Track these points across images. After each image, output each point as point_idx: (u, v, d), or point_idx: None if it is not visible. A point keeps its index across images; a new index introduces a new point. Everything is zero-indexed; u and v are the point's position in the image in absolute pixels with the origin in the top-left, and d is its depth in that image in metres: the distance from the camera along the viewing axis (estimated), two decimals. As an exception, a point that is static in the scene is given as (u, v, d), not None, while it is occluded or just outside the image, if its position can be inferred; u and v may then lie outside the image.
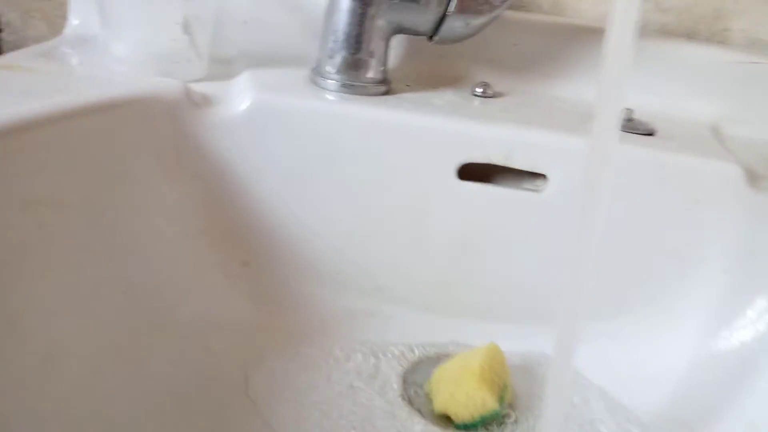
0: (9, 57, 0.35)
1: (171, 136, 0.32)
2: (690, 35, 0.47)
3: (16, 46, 0.43)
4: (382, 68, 0.38)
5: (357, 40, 0.37)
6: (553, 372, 0.26)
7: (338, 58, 0.37)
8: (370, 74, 0.38)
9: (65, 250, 0.27)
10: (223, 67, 0.39)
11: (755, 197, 0.36)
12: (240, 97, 0.35)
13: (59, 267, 0.27)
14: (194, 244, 0.34)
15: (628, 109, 0.40)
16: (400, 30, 0.38)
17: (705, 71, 0.44)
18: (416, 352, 0.37)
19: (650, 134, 0.39)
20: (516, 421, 0.34)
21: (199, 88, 0.35)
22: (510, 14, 0.43)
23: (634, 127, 0.39)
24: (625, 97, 0.22)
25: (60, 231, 0.26)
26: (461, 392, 0.33)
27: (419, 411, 0.33)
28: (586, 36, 0.44)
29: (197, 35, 0.36)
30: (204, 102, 0.34)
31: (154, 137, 0.31)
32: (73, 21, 0.41)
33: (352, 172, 0.36)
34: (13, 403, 0.23)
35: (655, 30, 0.47)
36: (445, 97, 0.40)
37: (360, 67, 0.37)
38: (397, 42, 0.43)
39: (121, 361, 0.29)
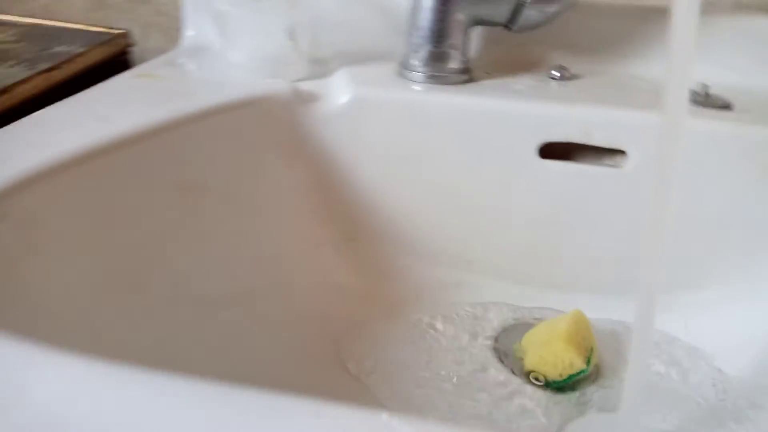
0: (143, 67, 0.41)
1: (287, 128, 0.37)
2: (765, 8, 0.48)
3: (140, 58, 0.50)
4: (463, 58, 0.42)
5: (439, 35, 0.40)
6: (634, 338, 0.28)
7: (423, 52, 0.41)
8: (453, 65, 0.41)
9: (209, 225, 0.32)
10: (321, 67, 0.44)
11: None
12: (339, 92, 0.39)
13: (203, 237, 0.32)
14: (307, 221, 0.39)
15: (704, 84, 0.41)
16: (479, 22, 0.41)
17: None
18: (505, 318, 0.40)
19: (727, 108, 0.40)
20: (602, 382, 0.36)
21: (303, 86, 0.40)
22: (584, -1, 0.45)
23: (710, 102, 0.40)
24: (692, 72, 0.24)
25: (206, 208, 0.32)
26: (550, 353, 0.35)
27: (512, 371, 0.36)
28: (661, 15, 0.45)
29: (300, 40, 0.41)
30: (310, 98, 0.39)
31: (273, 130, 0.36)
32: (189, 32, 0.47)
33: (441, 155, 0.40)
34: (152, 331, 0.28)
35: (730, 4, 0.48)
36: (524, 81, 0.43)
37: (443, 59, 0.41)
38: (477, 32, 0.46)
39: (251, 315, 0.34)
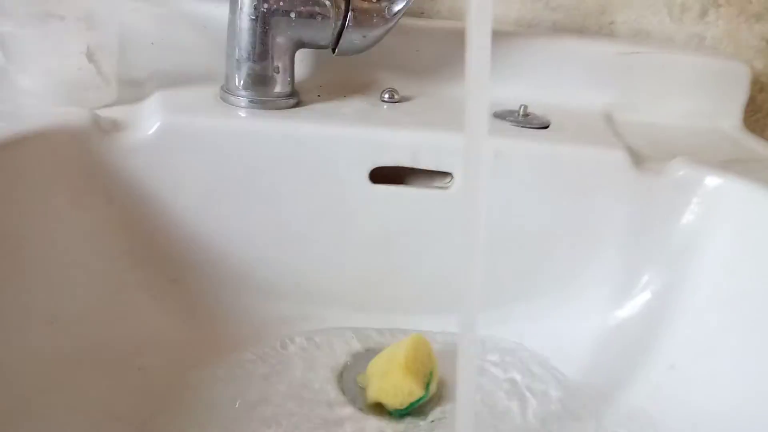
0: None
1: (80, 164, 0.33)
2: (580, 30, 0.51)
3: None
4: (289, 81, 0.40)
5: (261, 58, 0.38)
6: (459, 356, 0.28)
7: (244, 75, 0.38)
8: (278, 88, 0.39)
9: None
10: (134, 90, 0.40)
11: (641, 178, 0.39)
12: (149, 120, 0.36)
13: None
14: (118, 266, 0.34)
15: (523, 105, 0.43)
16: (301, 45, 0.39)
17: (595, 63, 0.48)
18: (349, 347, 0.39)
19: (545, 127, 0.42)
20: (447, 403, 0.36)
21: (109, 113, 0.36)
22: (411, 21, 0.46)
23: (529, 121, 0.42)
24: (488, 93, 0.24)
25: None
26: (389, 384, 0.35)
27: (354, 403, 0.35)
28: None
29: (103, 62, 0.37)
30: (113, 127, 0.35)
31: (64, 167, 0.32)
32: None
33: (268, 184, 0.38)
34: None
35: (547, 27, 0.51)
36: (354, 105, 0.42)
37: (267, 83, 0.39)
38: (305, 54, 0.45)
39: (55, 391, 0.30)
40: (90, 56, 0.35)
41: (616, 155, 0.39)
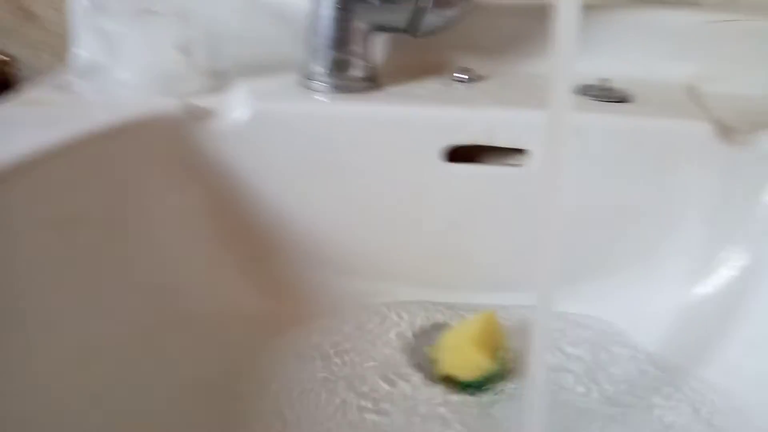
0: (27, 93, 0.39)
1: (176, 149, 0.35)
2: (662, 0, 0.49)
3: (27, 80, 0.47)
4: (367, 66, 0.41)
5: (340, 43, 0.39)
6: (534, 332, 0.28)
7: (324, 61, 0.40)
8: (357, 72, 0.40)
9: (93, 261, 0.30)
10: (219, 80, 0.42)
11: (726, 150, 0.38)
12: (238, 107, 0.38)
13: (89, 276, 0.30)
14: (208, 245, 0.37)
15: (603, 78, 0.42)
16: (380, 28, 0.40)
17: (679, 34, 0.46)
18: (420, 323, 0.40)
19: (626, 101, 0.41)
20: (516, 382, 0.36)
21: (198, 102, 0.38)
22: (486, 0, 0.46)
23: (610, 95, 0.41)
24: (574, 67, 0.24)
25: (86, 245, 0.30)
26: (459, 357, 0.35)
27: (425, 375, 0.36)
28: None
29: (194, 54, 0.39)
30: (205, 115, 0.37)
31: (162, 152, 0.35)
32: (78, 52, 0.44)
33: (348, 166, 0.39)
34: (49, 399, 0.27)
35: (626, -1, 0.49)
36: (429, 86, 0.43)
37: (346, 68, 0.40)
38: (381, 38, 0.46)
39: (149, 357, 0.33)
40: (183, 49, 0.38)
41: (700, 127, 0.38)
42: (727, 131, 0.39)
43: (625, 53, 0.46)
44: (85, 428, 0.28)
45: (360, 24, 0.39)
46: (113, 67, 0.39)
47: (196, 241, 0.36)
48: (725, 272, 0.38)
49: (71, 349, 0.28)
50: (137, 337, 0.32)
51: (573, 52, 0.25)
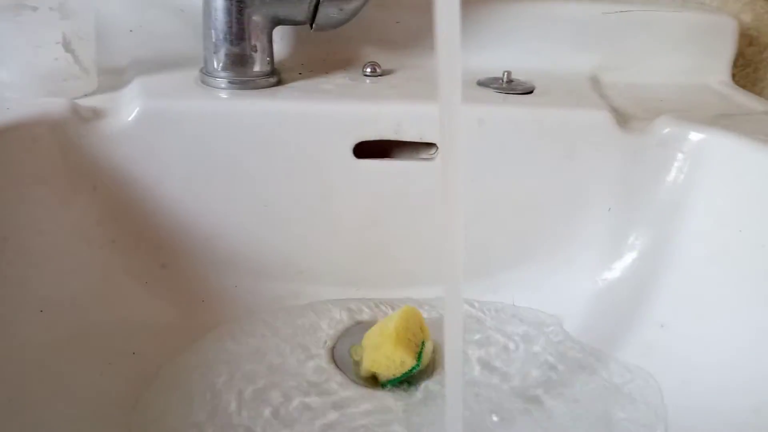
0: None
1: (62, 154, 0.33)
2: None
3: None
4: (268, 60, 0.40)
5: (238, 37, 0.38)
6: (446, 324, 0.28)
7: (223, 56, 0.38)
8: (257, 68, 0.39)
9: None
10: (115, 78, 0.40)
11: (626, 138, 0.39)
12: (128, 106, 0.36)
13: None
14: (106, 253, 0.35)
15: (506, 71, 0.42)
16: (278, 22, 0.39)
17: (579, 25, 0.47)
18: (341, 326, 0.39)
19: (529, 92, 0.42)
20: (437, 376, 0.36)
21: (89, 102, 0.36)
22: (390, -7, 0.45)
23: (513, 87, 0.42)
24: (460, 58, 0.23)
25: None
26: (381, 355, 0.35)
27: (347, 374, 0.35)
28: (466, 5, 0.46)
29: (80, 51, 0.36)
30: (93, 115, 0.35)
31: (45, 157, 0.32)
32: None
33: (253, 165, 0.38)
34: None
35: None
36: (336, 80, 0.42)
37: (246, 63, 0.38)
38: (285, 32, 0.44)
39: (50, 376, 0.30)
40: (66, 46, 0.35)
41: (600, 116, 0.39)
42: (626, 119, 0.40)
43: (526, 45, 0.47)
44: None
45: (256, 17, 0.38)
46: (-10, 67, 0.36)
47: (91, 250, 0.34)
48: (633, 256, 0.39)
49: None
50: (31, 357, 0.29)
51: (456, 39, 0.24)
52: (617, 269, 0.40)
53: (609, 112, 0.39)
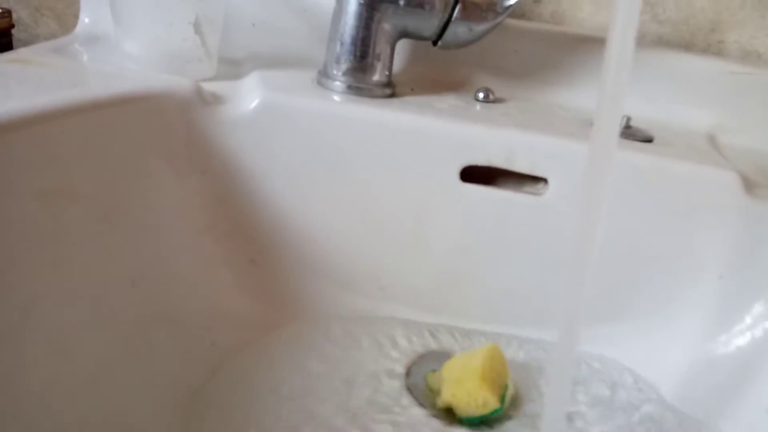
0: (22, 52, 0.36)
1: (183, 132, 0.33)
2: (686, 46, 0.48)
3: (27, 45, 0.44)
4: (387, 72, 0.39)
5: (363, 44, 0.37)
6: (553, 373, 0.26)
7: (345, 61, 0.38)
8: (376, 77, 0.38)
9: (76, 241, 0.27)
10: (232, 68, 0.40)
11: (751, 204, 0.37)
12: (249, 96, 0.35)
13: (70, 258, 0.27)
14: (202, 239, 0.34)
15: (626, 116, 0.41)
16: (405, 34, 0.38)
17: (701, 81, 0.45)
18: (418, 350, 0.37)
19: (649, 141, 0.40)
20: (518, 419, 0.34)
21: (209, 87, 0.36)
22: (512, 22, 0.44)
23: (632, 134, 0.40)
24: (624, 105, 0.22)
25: (72, 222, 0.27)
26: (463, 391, 0.33)
27: (423, 405, 0.34)
28: (585, 45, 0.45)
29: (208, 35, 0.37)
30: (214, 100, 0.35)
31: (166, 133, 0.32)
32: (85, 19, 0.42)
33: (357, 173, 0.37)
34: (23, 392, 0.24)
35: (653, 40, 0.48)
36: (448, 101, 0.41)
37: (366, 70, 0.38)
38: (402, 47, 0.44)
39: (129, 354, 0.30)
40: (197, 27, 0.36)
41: (727, 176, 0.37)
42: (751, 184, 0.37)
43: (646, 94, 0.46)
44: (60, 424, 0.24)
45: (386, 26, 0.37)
46: (120, 39, 0.36)
47: (190, 233, 0.34)
48: (742, 330, 0.36)
49: (47, 337, 0.25)
50: (116, 330, 0.29)
51: (623, 89, 0.23)
52: (722, 342, 0.37)
53: (736, 174, 0.37)
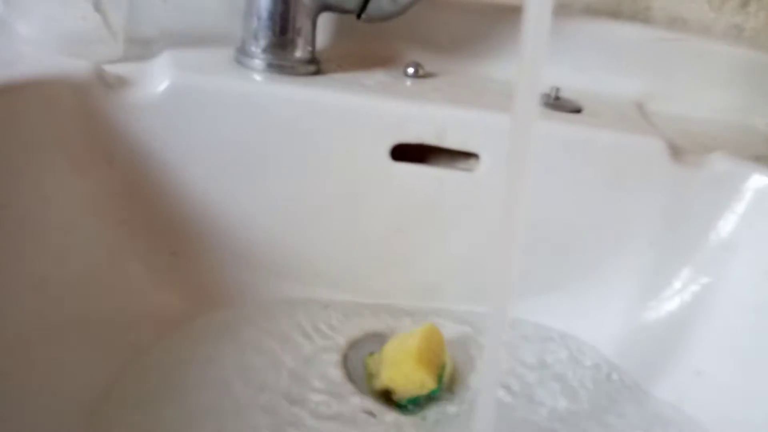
0: None
1: (81, 120, 0.30)
2: (614, 14, 0.48)
3: None
4: (310, 48, 0.37)
5: (282, 18, 0.35)
6: (486, 349, 0.26)
7: (263, 37, 0.36)
8: (298, 54, 0.36)
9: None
10: (142, 48, 0.37)
11: (679, 171, 0.37)
12: (158, 77, 0.33)
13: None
14: (114, 235, 0.32)
15: (555, 87, 0.40)
16: (326, 7, 0.36)
17: (629, 49, 0.45)
18: (356, 333, 0.36)
19: (577, 111, 0.39)
20: (456, 397, 0.34)
21: (113, 69, 0.33)
22: (441, -6, 0.43)
23: (561, 105, 0.39)
24: (543, 74, 0.22)
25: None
26: (400, 374, 0.33)
27: (360, 390, 0.33)
28: (515, 16, 0.44)
29: (110, 13, 0.34)
30: (118, 83, 0.32)
31: (62, 122, 0.29)
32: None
33: (282, 155, 0.35)
34: None
35: (580, 9, 0.48)
36: (377, 77, 0.39)
37: (287, 47, 0.36)
38: (326, 21, 0.42)
39: (40, 363, 0.27)
40: (96, 5, 0.33)
41: (655, 144, 0.37)
42: (678, 151, 0.38)
43: (574, 64, 0.45)
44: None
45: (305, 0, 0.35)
46: (11, 19, 0.33)
47: (99, 228, 0.31)
48: (673, 295, 0.37)
49: None
50: (25, 342, 0.26)
51: (542, 58, 0.22)
52: (654, 308, 0.38)
53: (663, 141, 0.37)
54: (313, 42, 0.37)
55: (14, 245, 0.28)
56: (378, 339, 0.36)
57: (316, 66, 0.37)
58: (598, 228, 0.38)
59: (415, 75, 0.41)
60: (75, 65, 0.30)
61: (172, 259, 0.34)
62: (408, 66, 0.41)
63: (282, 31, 0.36)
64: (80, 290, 0.30)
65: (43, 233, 0.29)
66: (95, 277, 0.31)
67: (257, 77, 0.35)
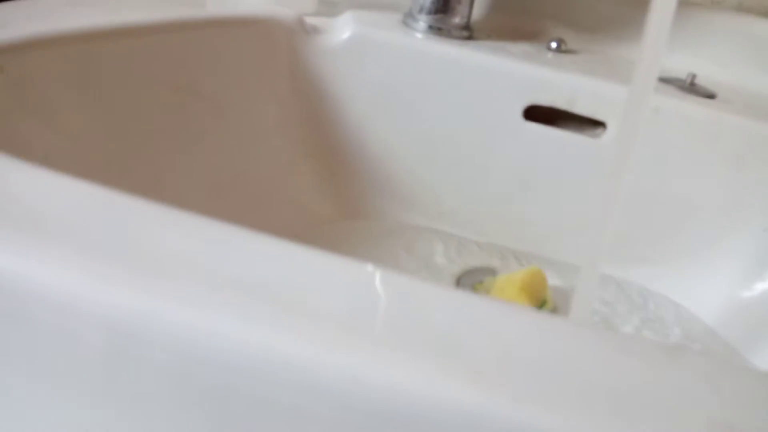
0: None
1: (286, 55, 0.38)
2: (765, 13, 0.49)
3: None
4: (466, 16, 0.43)
5: (445, -15, 0.41)
6: (582, 274, 0.29)
7: (428, 3, 0.42)
8: (456, 20, 0.42)
9: (196, 129, 0.34)
10: (329, 8, 0.45)
11: (804, 162, 0.38)
12: (342, 29, 0.41)
13: (191, 142, 0.33)
14: (294, 150, 0.40)
15: (691, 74, 0.43)
16: (486, -19, 0.42)
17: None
18: (469, 263, 0.42)
19: (711, 97, 0.42)
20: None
21: (310, 20, 0.41)
22: (591, -22, 0.47)
23: (695, 90, 0.42)
24: (663, 56, 0.25)
25: (193, 114, 0.33)
26: (504, 298, 0.37)
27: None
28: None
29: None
30: (313, 30, 0.40)
31: (273, 54, 0.38)
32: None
33: (429, 103, 0.41)
34: None
35: (733, 5, 0.49)
36: (522, 47, 0.44)
37: (446, 12, 0.42)
38: (482, -2, 0.47)
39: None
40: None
41: (781, 132, 0.38)
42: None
43: (716, 57, 0.47)
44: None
45: (467, -29, 0.41)
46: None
47: (283, 143, 0.39)
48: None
49: (167, 195, 0.31)
50: (216, 201, 0.35)
51: (664, 37, 0.25)
52: (759, 289, 0.39)
53: (791, 131, 0.38)
54: (469, 12, 0.43)
55: (226, 137, 0.37)
56: (488, 272, 0.41)
57: (469, 32, 0.43)
58: (715, 208, 0.40)
59: (558, 49, 0.45)
60: (284, 12, 0.39)
61: (331, 177, 0.42)
62: (552, 41, 0.45)
63: (444, 1, 0.42)
64: (263, 186, 0.38)
65: (248, 135, 0.38)
66: (276, 178, 0.39)
67: (419, 35, 0.42)
